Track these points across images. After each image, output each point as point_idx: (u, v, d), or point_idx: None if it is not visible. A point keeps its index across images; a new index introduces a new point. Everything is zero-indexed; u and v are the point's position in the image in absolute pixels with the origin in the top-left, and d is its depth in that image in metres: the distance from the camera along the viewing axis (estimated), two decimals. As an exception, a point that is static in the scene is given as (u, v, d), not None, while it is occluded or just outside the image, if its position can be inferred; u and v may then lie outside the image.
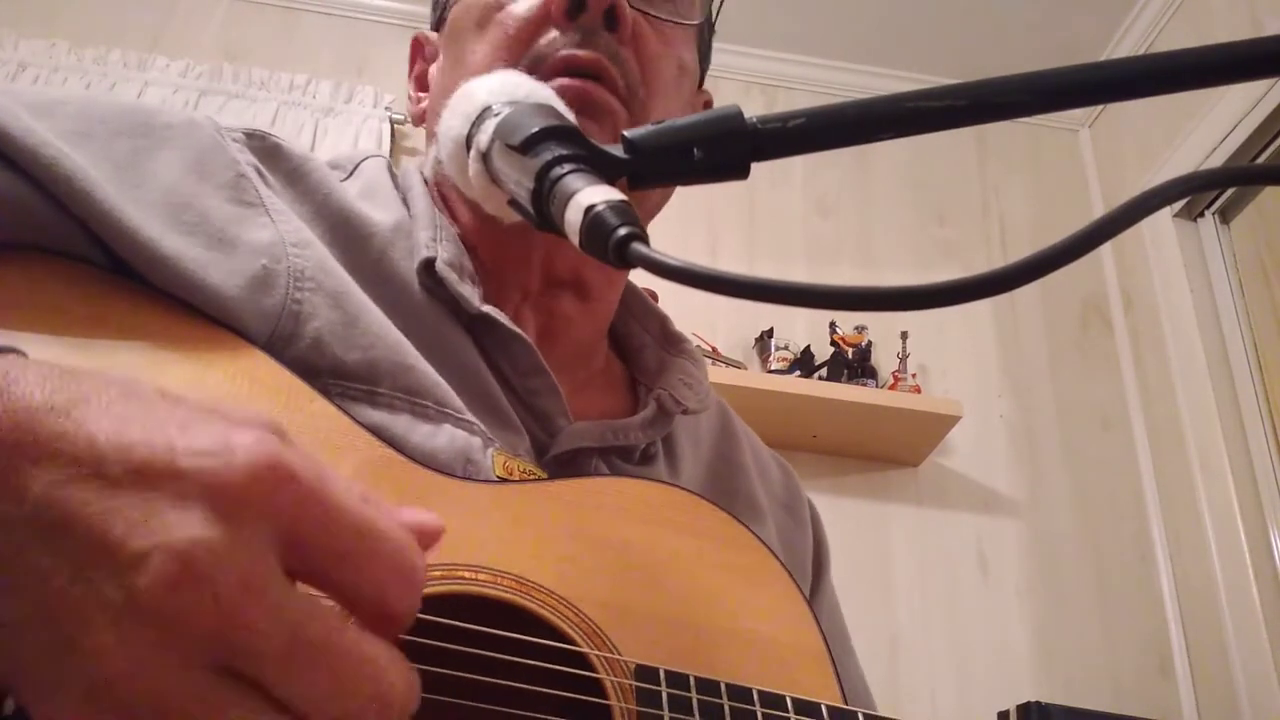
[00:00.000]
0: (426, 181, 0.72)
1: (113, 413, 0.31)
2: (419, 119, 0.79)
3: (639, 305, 0.82)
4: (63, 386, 0.32)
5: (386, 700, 0.32)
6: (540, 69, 0.66)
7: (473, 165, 0.55)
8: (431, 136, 0.73)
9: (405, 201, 0.70)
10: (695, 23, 0.75)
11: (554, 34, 0.67)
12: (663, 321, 0.81)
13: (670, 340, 0.80)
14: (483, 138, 0.54)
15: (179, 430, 0.31)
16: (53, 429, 0.30)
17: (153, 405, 0.33)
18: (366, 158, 0.73)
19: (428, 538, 0.37)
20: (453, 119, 0.60)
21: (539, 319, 0.72)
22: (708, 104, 0.83)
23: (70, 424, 0.31)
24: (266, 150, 0.64)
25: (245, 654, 0.30)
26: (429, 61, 0.79)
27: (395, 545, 0.34)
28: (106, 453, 0.30)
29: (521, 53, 0.68)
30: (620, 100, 0.67)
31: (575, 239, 0.41)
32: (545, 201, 0.44)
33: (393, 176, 0.73)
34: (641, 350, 0.79)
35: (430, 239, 0.66)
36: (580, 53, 0.66)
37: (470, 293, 0.65)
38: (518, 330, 0.65)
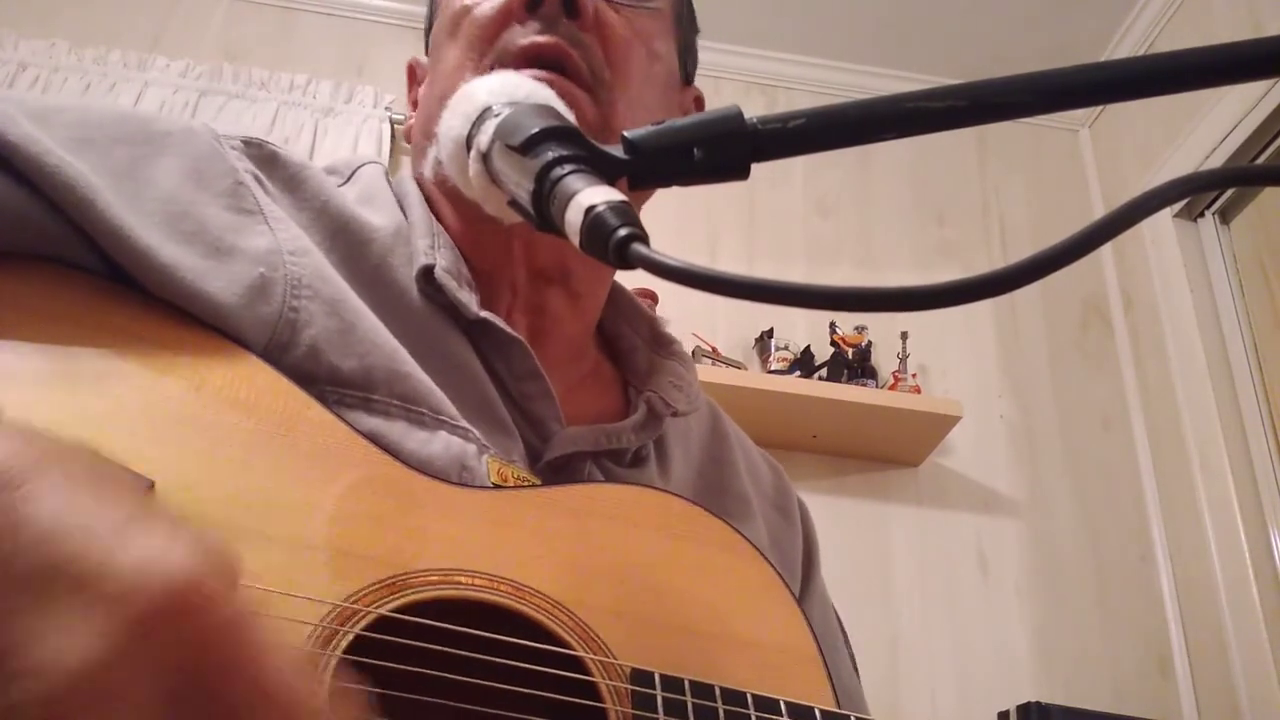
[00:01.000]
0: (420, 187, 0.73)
1: (63, 493, 0.30)
2: (407, 136, 0.81)
3: (629, 307, 0.82)
4: (25, 451, 0.30)
5: None
6: (505, 63, 0.67)
7: (473, 166, 0.55)
8: (419, 153, 0.74)
9: (402, 207, 0.70)
10: (657, 6, 0.75)
11: (516, 28, 0.68)
12: (652, 323, 0.81)
13: (660, 342, 0.80)
14: (483, 138, 0.54)
15: (116, 528, 0.30)
16: None
17: (106, 493, 0.31)
18: (364, 164, 0.74)
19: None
20: (453, 119, 0.60)
21: (529, 319, 0.72)
22: (698, 100, 0.83)
23: (16, 497, 0.29)
24: (264, 157, 0.64)
25: None
26: (421, 84, 0.80)
27: (301, 711, 0.31)
28: (34, 540, 0.29)
29: (486, 51, 0.68)
30: (584, 88, 0.68)
31: (576, 239, 0.41)
32: (545, 202, 0.44)
33: (389, 183, 0.73)
34: (632, 352, 0.80)
35: (428, 246, 0.66)
36: (540, 39, 0.67)
37: (468, 298, 0.65)
38: (515, 334, 0.66)
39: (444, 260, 0.66)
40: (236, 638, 0.30)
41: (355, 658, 0.44)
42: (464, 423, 0.60)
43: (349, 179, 0.72)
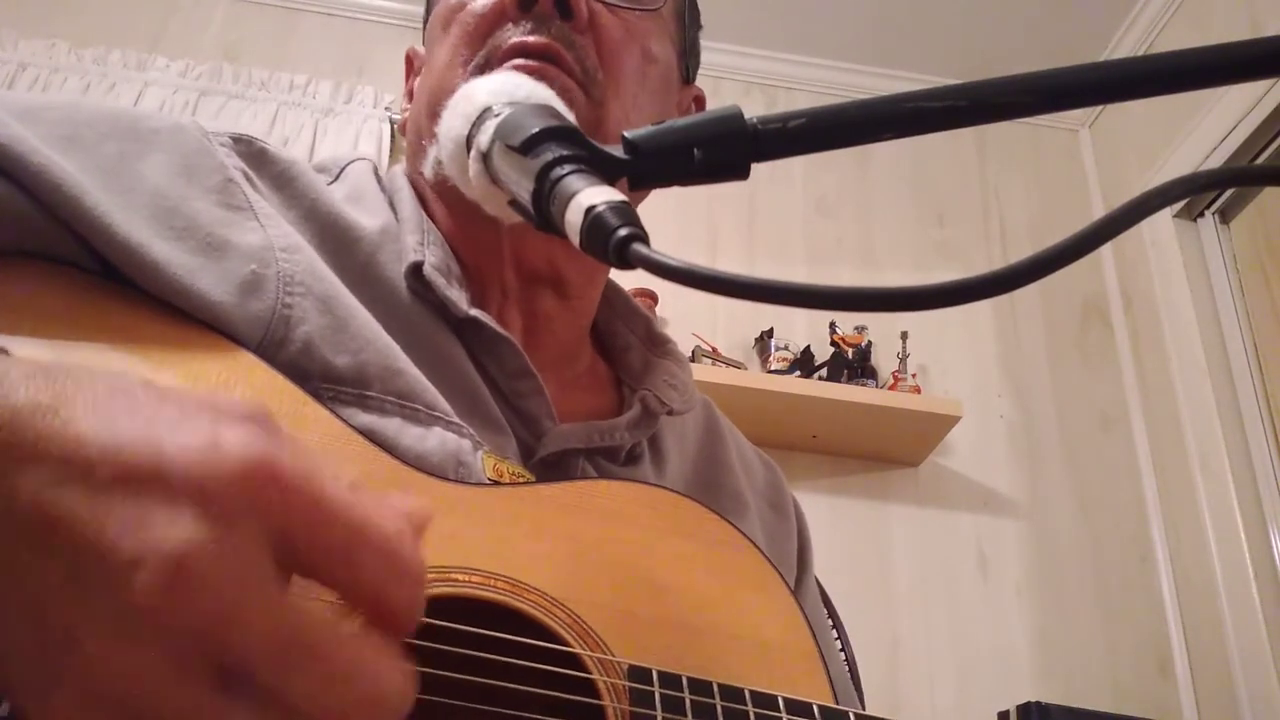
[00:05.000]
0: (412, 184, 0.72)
1: (99, 411, 0.31)
2: (402, 129, 0.80)
3: (624, 306, 0.82)
4: (48, 384, 0.31)
5: (379, 699, 0.32)
6: (495, 61, 0.67)
7: (473, 166, 0.55)
8: (412, 147, 0.74)
9: (392, 205, 0.70)
10: (655, 8, 0.75)
11: (508, 27, 0.68)
12: (647, 322, 0.82)
13: (655, 341, 0.80)
14: (483, 138, 0.54)
15: (167, 429, 0.31)
16: (39, 429, 0.30)
17: (140, 402, 0.32)
18: (352, 161, 0.74)
19: (416, 525, 0.36)
20: (453, 119, 0.60)
21: (522, 319, 0.72)
22: (698, 99, 0.83)
23: (57, 423, 0.30)
24: (253, 154, 0.64)
25: (239, 655, 0.29)
26: (418, 75, 0.80)
27: (387, 540, 0.33)
28: (94, 454, 0.30)
29: (478, 48, 0.68)
30: (577, 84, 0.67)
31: (576, 239, 0.41)
32: (546, 202, 0.44)
33: (379, 180, 0.73)
34: (627, 350, 0.80)
35: (418, 243, 0.66)
36: (531, 39, 0.67)
37: (458, 296, 0.65)
38: (504, 333, 0.66)
39: (433, 257, 0.66)
40: (312, 494, 0.32)
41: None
42: (458, 419, 0.60)
43: (338, 177, 0.71)
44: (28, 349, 0.46)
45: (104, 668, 0.28)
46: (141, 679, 0.29)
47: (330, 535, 0.32)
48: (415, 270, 0.65)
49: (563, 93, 0.65)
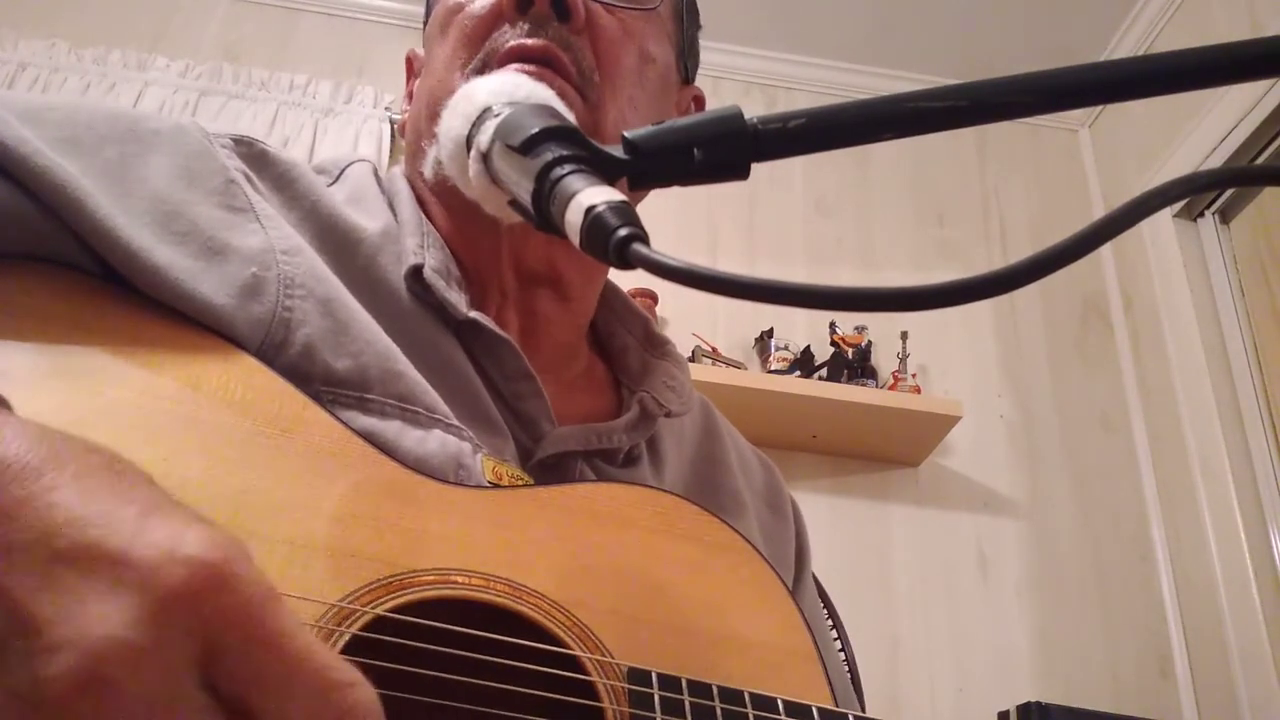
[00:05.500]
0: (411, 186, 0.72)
1: (83, 483, 0.31)
2: (401, 130, 0.80)
3: (623, 307, 0.82)
4: (40, 446, 0.31)
5: None
6: (493, 63, 0.67)
7: (473, 166, 0.55)
8: (411, 148, 0.74)
9: (392, 207, 0.70)
10: (652, 7, 0.74)
11: (506, 29, 0.68)
12: (646, 324, 0.81)
13: (653, 342, 0.80)
14: (483, 138, 0.54)
15: (138, 516, 0.31)
16: (16, 492, 0.30)
17: (123, 485, 0.32)
18: (352, 162, 0.74)
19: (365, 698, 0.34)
20: (453, 119, 0.60)
21: (520, 320, 0.72)
22: (698, 99, 0.83)
23: (37, 488, 0.30)
24: (254, 156, 0.64)
25: None
26: (418, 77, 0.80)
27: (331, 683, 0.31)
28: (62, 525, 0.30)
29: (476, 50, 0.68)
30: (574, 87, 0.67)
31: (576, 239, 0.41)
32: (546, 202, 0.44)
33: (379, 181, 0.73)
34: (625, 351, 0.79)
35: (417, 245, 0.66)
36: (529, 41, 0.67)
37: (457, 298, 0.65)
38: (504, 335, 0.66)
39: (433, 260, 0.66)
40: (259, 615, 0.31)
41: (353, 658, 0.44)
42: (457, 422, 0.60)
43: (338, 178, 0.71)
44: (36, 358, 0.46)
45: None
46: None
47: (266, 660, 0.31)
48: (415, 273, 0.65)
49: (560, 95, 0.65)
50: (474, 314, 0.65)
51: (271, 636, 0.31)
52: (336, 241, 0.64)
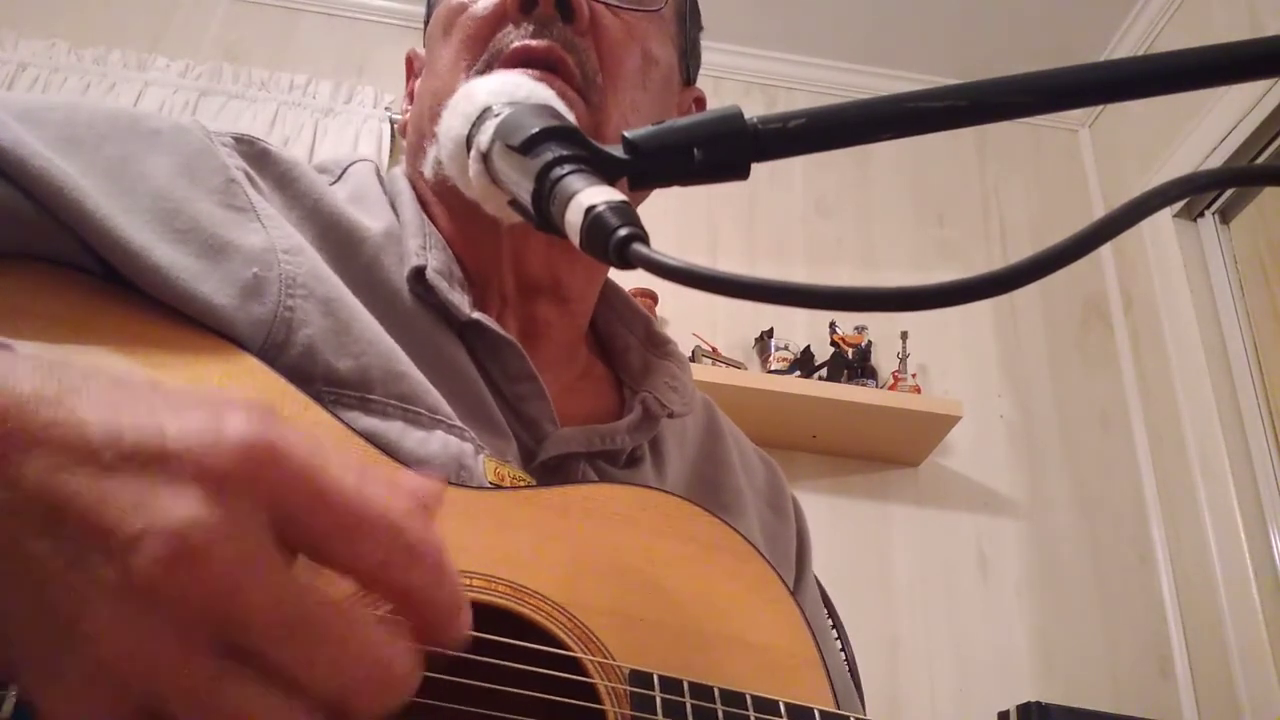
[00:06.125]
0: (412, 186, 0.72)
1: (103, 400, 0.32)
2: (402, 130, 0.80)
3: (623, 307, 0.82)
4: (52, 376, 0.32)
5: (384, 678, 0.32)
6: (497, 64, 0.67)
7: (473, 166, 0.55)
8: (411, 149, 0.74)
9: (394, 207, 0.70)
10: (656, 9, 0.74)
11: (510, 29, 0.68)
12: (647, 324, 0.81)
13: (655, 342, 0.80)
14: (483, 138, 0.54)
15: (170, 414, 0.32)
16: (44, 417, 0.30)
17: (143, 392, 0.33)
18: (354, 162, 0.73)
19: (427, 503, 0.36)
20: (453, 119, 0.60)
21: (519, 325, 0.72)
22: (699, 101, 0.83)
23: (62, 412, 0.31)
24: (255, 155, 0.64)
25: (242, 630, 0.30)
26: (418, 77, 0.80)
27: (390, 522, 0.33)
28: (98, 438, 0.30)
29: (480, 51, 0.68)
30: (576, 90, 0.67)
31: (576, 239, 0.41)
32: (546, 202, 0.44)
33: (380, 182, 0.73)
34: (626, 352, 0.79)
35: (420, 246, 0.66)
36: (533, 42, 0.67)
37: (460, 300, 0.65)
38: (508, 336, 0.66)
39: (435, 261, 0.65)
40: (313, 476, 0.32)
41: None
42: (460, 423, 0.60)
43: (340, 178, 0.71)
44: (30, 350, 0.46)
45: (109, 645, 0.29)
46: (146, 654, 0.29)
47: (330, 517, 0.32)
48: (418, 274, 0.65)
49: (560, 96, 0.65)
50: (477, 315, 0.65)
51: (331, 492, 0.32)
52: (339, 241, 0.64)
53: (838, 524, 2.21)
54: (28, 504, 0.29)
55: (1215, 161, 2.21)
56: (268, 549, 0.31)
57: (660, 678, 0.50)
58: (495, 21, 0.68)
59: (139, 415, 0.31)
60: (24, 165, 0.49)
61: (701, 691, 0.51)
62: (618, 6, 0.71)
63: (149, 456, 0.30)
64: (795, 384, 2.17)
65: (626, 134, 0.45)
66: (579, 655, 0.50)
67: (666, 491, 0.63)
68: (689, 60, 0.81)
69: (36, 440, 0.30)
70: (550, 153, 0.45)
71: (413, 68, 0.81)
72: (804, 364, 2.29)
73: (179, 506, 0.30)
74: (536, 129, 0.47)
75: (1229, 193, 2.30)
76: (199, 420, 0.32)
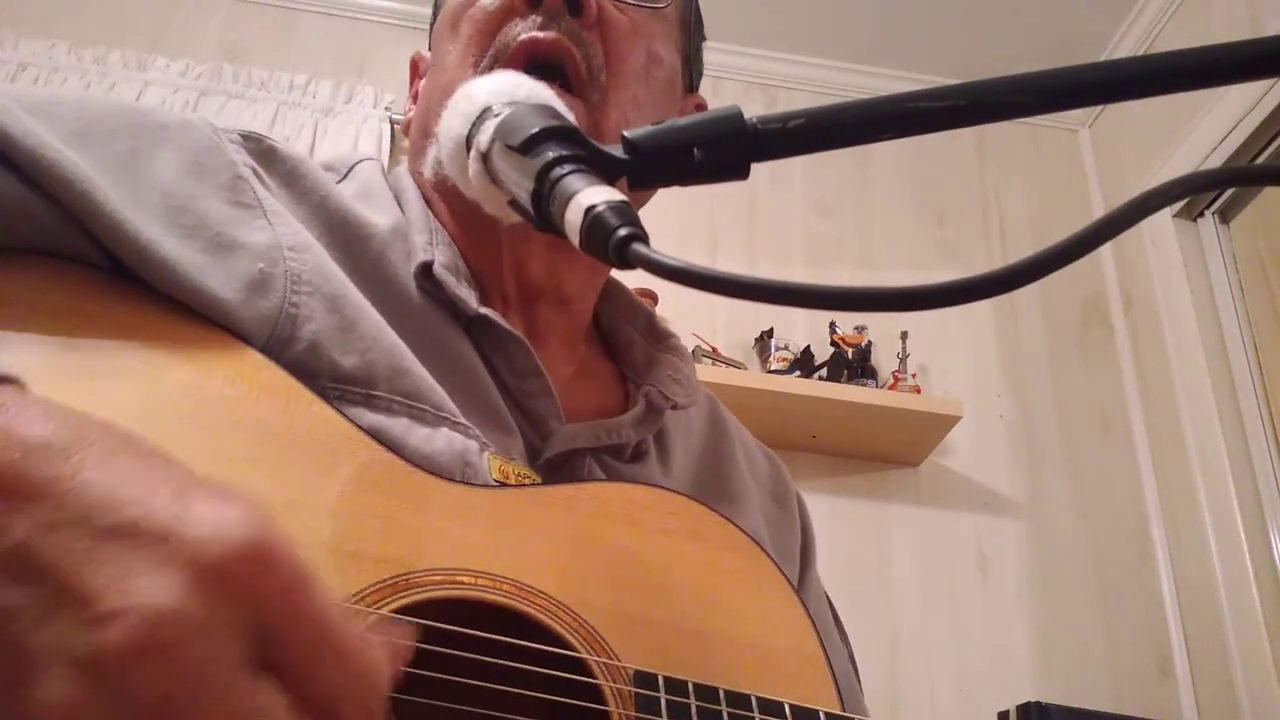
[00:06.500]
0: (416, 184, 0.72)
1: (111, 462, 0.31)
2: (405, 130, 0.81)
3: (625, 302, 0.82)
4: (64, 426, 0.31)
5: None
6: (504, 57, 0.67)
7: (473, 166, 0.55)
8: (416, 149, 0.74)
9: (399, 204, 0.70)
10: (661, 6, 0.75)
11: (517, 23, 0.68)
12: (649, 318, 0.81)
13: (657, 336, 0.80)
14: (483, 138, 0.54)
15: (174, 494, 0.31)
16: (46, 471, 0.30)
17: (151, 464, 0.32)
18: (360, 160, 0.74)
19: (394, 654, 0.36)
20: (453, 119, 0.60)
21: (522, 326, 0.72)
22: (699, 108, 0.83)
23: (67, 467, 0.30)
24: (263, 152, 0.64)
25: None
26: (422, 78, 0.80)
27: (362, 659, 0.33)
28: (99, 502, 0.30)
29: (488, 45, 0.69)
30: (578, 89, 0.68)
31: (575, 239, 0.41)
32: (545, 202, 0.44)
33: (386, 179, 0.73)
34: (629, 346, 0.79)
35: (426, 242, 0.66)
36: (540, 34, 0.67)
37: (467, 295, 0.65)
38: (515, 331, 0.66)
39: (442, 257, 0.65)
40: (302, 593, 0.32)
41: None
42: (464, 419, 0.60)
43: (346, 175, 0.71)
44: (43, 351, 0.46)
45: (58, 707, 0.28)
46: None
47: (309, 637, 0.32)
48: (425, 270, 0.65)
49: (562, 96, 0.65)
50: (484, 310, 0.65)
51: (317, 614, 0.32)
52: (346, 237, 0.64)
53: (838, 524, 2.21)
54: (11, 556, 0.29)
55: (1215, 161, 2.21)
56: (236, 658, 0.30)
57: (665, 679, 0.50)
58: (503, 15, 0.69)
59: (145, 488, 0.31)
60: (34, 156, 0.49)
61: (706, 693, 0.51)
62: (624, 3, 0.72)
63: (146, 532, 0.30)
64: (795, 384, 2.17)
65: (626, 134, 0.45)
66: (584, 656, 0.50)
67: (673, 490, 0.63)
68: (692, 67, 0.82)
69: (36, 491, 0.30)
70: (550, 152, 0.45)
71: (417, 70, 0.82)
72: (804, 364, 2.29)
73: (162, 590, 0.29)
74: (536, 129, 0.47)
75: (1229, 193, 2.30)
76: (203, 508, 0.31)
